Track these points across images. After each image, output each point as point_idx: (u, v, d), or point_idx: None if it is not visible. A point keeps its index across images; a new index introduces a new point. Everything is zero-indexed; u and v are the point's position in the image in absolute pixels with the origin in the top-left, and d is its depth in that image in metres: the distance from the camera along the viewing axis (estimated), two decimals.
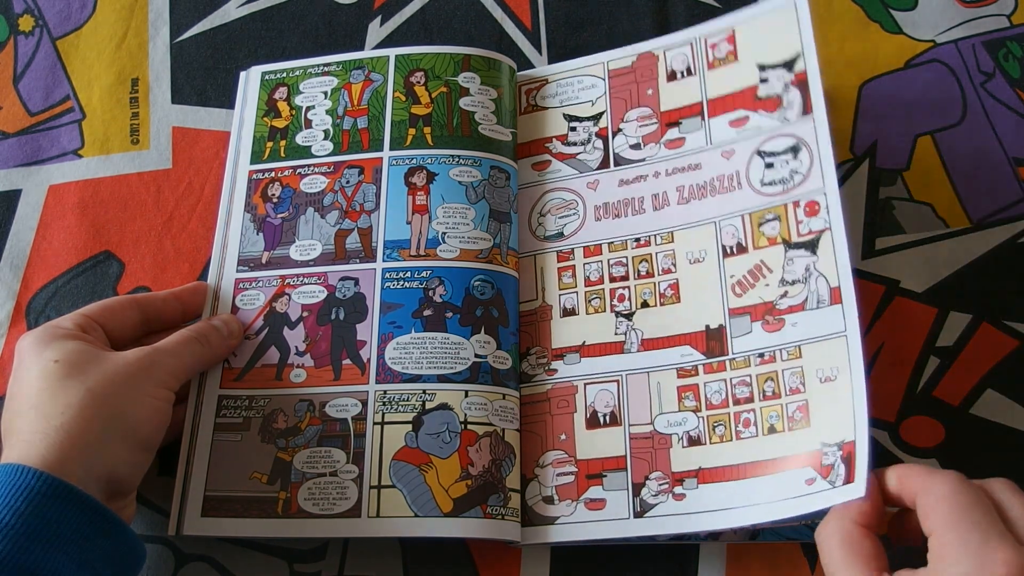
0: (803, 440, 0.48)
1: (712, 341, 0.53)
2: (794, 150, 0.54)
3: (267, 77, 0.64)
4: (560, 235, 0.59)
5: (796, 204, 0.53)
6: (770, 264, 0.53)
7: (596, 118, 0.61)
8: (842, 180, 0.62)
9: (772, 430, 0.50)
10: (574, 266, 0.58)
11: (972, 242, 0.60)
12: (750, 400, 0.51)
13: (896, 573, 0.42)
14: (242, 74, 0.65)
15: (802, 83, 0.55)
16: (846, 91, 0.64)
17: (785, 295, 0.52)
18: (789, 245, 0.53)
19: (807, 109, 0.54)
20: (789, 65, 0.56)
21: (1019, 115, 0.63)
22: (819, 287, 0.51)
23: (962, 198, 0.61)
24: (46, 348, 0.49)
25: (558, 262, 0.59)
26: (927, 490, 0.42)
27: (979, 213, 0.61)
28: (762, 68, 0.57)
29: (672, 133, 0.59)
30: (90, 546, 0.44)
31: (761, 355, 0.51)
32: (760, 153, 0.55)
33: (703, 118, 0.58)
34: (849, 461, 0.45)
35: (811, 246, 0.52)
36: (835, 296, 0.50)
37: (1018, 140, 0.62)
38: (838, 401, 0.48)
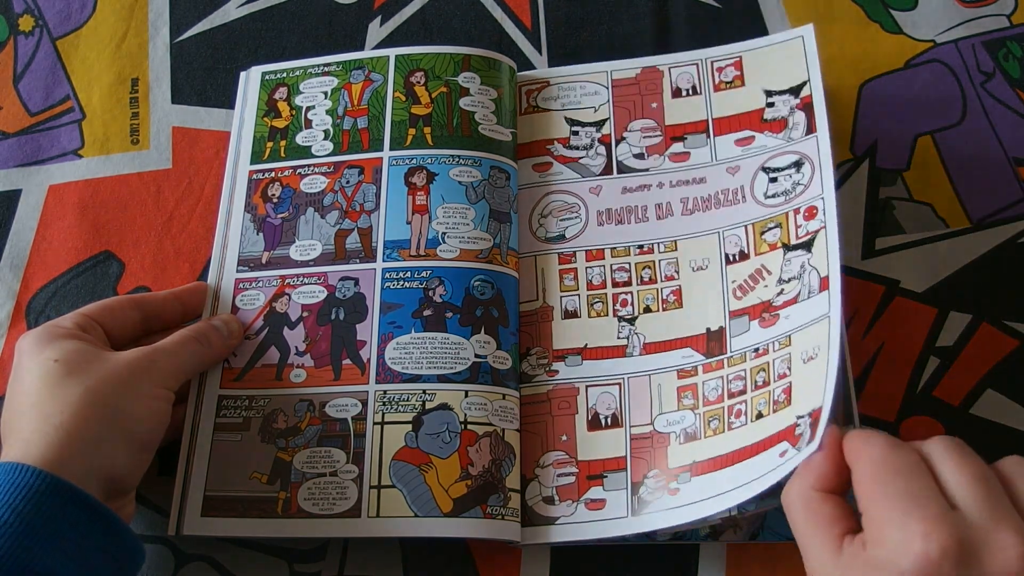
0: (783, 419, 0.49)
1: (712, 342, 0.54)
2: (797, 164, 0.55)
3: (267, 77, 0.64)
4: (562, 237, 0.59)
5: (796, 211, 0.54)
6: (770, 267, 0.54)
7: (599, 124, 0.62)
8: (842, 180, 0.62)
9: (759, 416, 0.50)
10: (576, 269, 0.58)
11: (972, 242, 0.60)
12: (743, 392, 0.52)
13: (858, 535, 0.40)
14: (242, 74, 0.65)
15: (807, 107, 0.56)
16: (846, 91, 0.64)
17: (781, 292, 0.53)
18: (788, 248, 0.54)
19: (811, 129, 0.56)
20: (795, 91, 0.58)
21: (1019, 115, 0.63)
22: (811, 280, 0.51)
23: (962, 198, 0.61)
24: (46, 347, 0.49)
25: (559, 264, 0.59)
26: (857, 460, 0.41)
27: (979, 213, 0.61)
28: (769, 94, 0.59)
29: (677, 147, 0.60)
30: (89, 544, 0.44)
31: (756, 349, 0.52)
32: (765, 169, 0.57)
33: (708, 135, 0.59)
34: (815, 424, 0.45)
35: (807, 245, 0.53)
36: (823, 284, 0.50)
37: (1018, 140, 0.62)
38: (817, 376, 0.48)
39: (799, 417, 0.47)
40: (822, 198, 0.53)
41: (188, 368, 0.53)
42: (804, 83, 0.57)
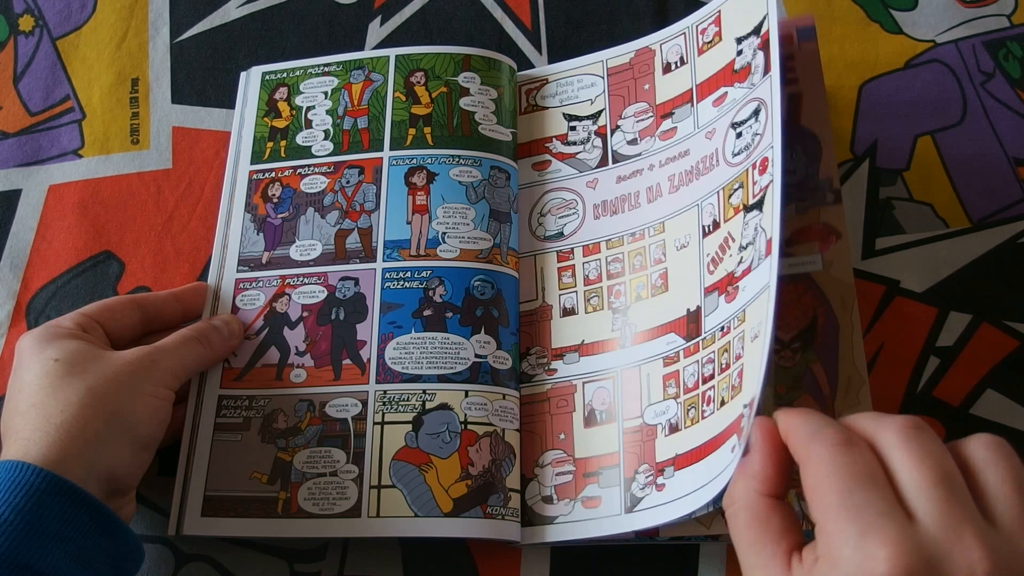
0: (735, 408, 0.47)
1: (691, 324, 0.53)
2: (756, 113, 0.52)
3: (267, 77, 0.65)
4: (560, 235, 0.59)
5: (754, 166, 0.51)
6: (734, 233, 0.52)
7: (595, 116, 0.61)
8: (842, 180, 0.62)
9: (722, 403, 0.49)
10: (574, 266, 0.58)
11: (972, 242, 0.60)
12: (713, 377, 0.50)
13: (806, 550, 0.37)
14: (242, 74, 0.65)
15: (766, 44, 0.52)
16: (846, 91, 0.64)
17: (741, 261, 0.50)
18: (747, 209, 0.51)
19: (767, 69, 0.52)
20: (758, 30, 0.54)
21: (1019, 115, 0.63)
22: (760, 244, 0.48)
23: (962, 198, 0.61)
24: (46, 347, 0.49)
25: (558, 262, 0.59)
26: (806, 460, 0.38)
27: (979, 213, 0.61)
28: (739, 41, 0.55)
29: (666, 124, 0.59)
30: (89, 544, 0.44)
31: (722, 328, 0.51)
32: (733, 125, 0.54)
33: (692, 104, 0.58)
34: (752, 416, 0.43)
35: (760, 204, 0.50)
36: (768, 248, 0.47)
37: (1018, 140, 0.62)
38: (758, 358, 0.44)
39: (744, 406, 0.46)
40: (772, 147, 0.49)
41: (189, 368, 0.53)
42: (764, 18, 0.52)
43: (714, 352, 0.51)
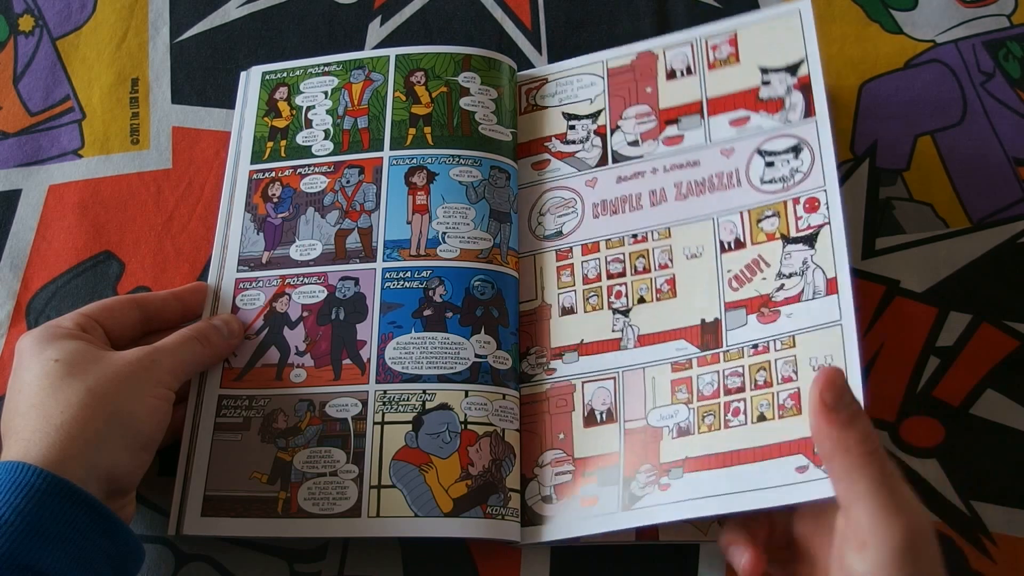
0: (794, 428, 0.48)
1: (707, 335, 0.53)
2: (795, 150, 0.54)
3: (267, 77, 0.65)
4: (559, 234, 0.59)
5: (796, 201, 0.53)
6: (768, 259, 0.53)
7: (594, 116, 0.61)
8: (842, 180, 0.62)
9: (762, 418, 0.49)
10: (572, 264, 0.58)
11: (972, 242, 0.60)
12: (741, 390, 0.51)
13: None
14: (242, 74, 0.65)
15: (805, 87, 0.55)
16: (846, 91, 0.64)
17: (782, 288, 0.52)
18: (787, 240, 0.53)
19: (810, 112, 0.55)
20: (792, 69, 0.56)
21: (1019, 115, 0.63)
22: (816, 279, 0.50)
23: (962, 198, 0.61)
24: (46, 347, 0.49)
25: (557, 261, 0.59)
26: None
27: (979, 213, 0.61)
28: (764, 71, 0.57)
29: (671, 130, 0.59)
30: (89, 545, 0.44)
31: (755, 346, 0.51)
32: (760, 152, 0.56)
33: (702, 116, 0.58)
34: None
35: (809, 240, 0.52)
36: (831, 287, 0.50)
37: (1018, 140, 0.62)
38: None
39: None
40: (824, 190, 0.52)
41: (189, 368, 0.53)
42: (801, 61, 0.56)
43: (743, 367, 0.51)
